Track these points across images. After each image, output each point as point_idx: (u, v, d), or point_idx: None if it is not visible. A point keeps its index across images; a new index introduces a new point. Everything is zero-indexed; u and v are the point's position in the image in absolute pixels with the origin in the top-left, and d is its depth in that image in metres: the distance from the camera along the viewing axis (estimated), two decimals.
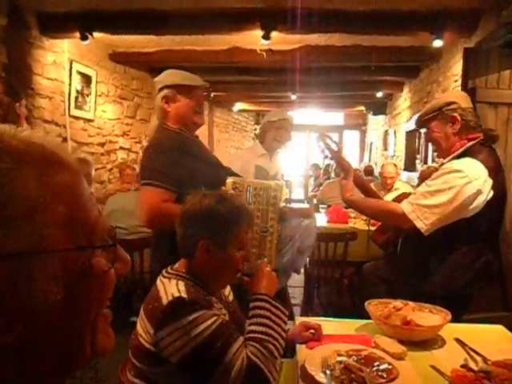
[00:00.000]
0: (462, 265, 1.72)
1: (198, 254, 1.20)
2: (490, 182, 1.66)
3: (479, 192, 1.63)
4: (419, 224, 1.67)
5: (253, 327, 1.16)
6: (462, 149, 1.76)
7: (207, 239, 1.20)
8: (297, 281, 3.76)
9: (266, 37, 3.54)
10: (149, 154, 1.76)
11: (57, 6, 3.58)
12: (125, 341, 3.05)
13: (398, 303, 1.48)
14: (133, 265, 3.02)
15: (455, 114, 1.77)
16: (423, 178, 3.14)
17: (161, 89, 1.85)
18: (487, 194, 1.66)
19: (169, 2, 3.40)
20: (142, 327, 1.14)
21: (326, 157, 2.30)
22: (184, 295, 1.10)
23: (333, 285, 3.76)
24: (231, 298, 1.38)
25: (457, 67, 3.94)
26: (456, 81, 3.92)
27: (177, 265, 1.25)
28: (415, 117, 5.59)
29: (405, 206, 1.71)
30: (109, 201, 3.32)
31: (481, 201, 1.64)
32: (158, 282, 1.20)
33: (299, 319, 1.56)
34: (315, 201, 6.47)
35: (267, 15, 3.47)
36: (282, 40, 4.00)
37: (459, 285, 1.73)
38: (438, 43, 3.44)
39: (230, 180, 1.77)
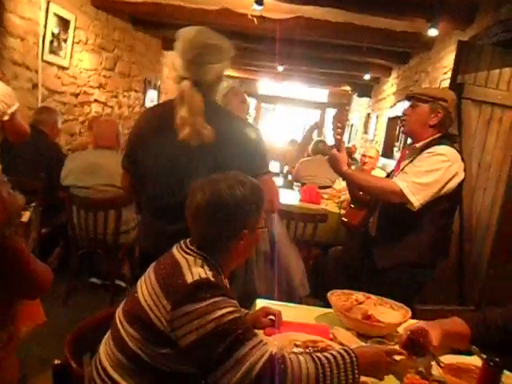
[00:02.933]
0: (431, 237, 1.97)
1: (233, 244, 1.14)
2: (462, 165, 1.94)
3: (456, 174, 1.90)
4: (412, 199, 1.85)
5: (321, 356, 1.04)
6: (435, 137, 1.99)
7: (247, 229, 1.14)
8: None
9: (260, 2, 3.38)
10: (261, 141, 1.58)
11: None
12: (84, 302, 2.97)
13: (361, 296, 1.47)
14: (96, 224, 2.93)
15: (441, 111, 1.96)
16: None
17: (223, 58, 1.53)
18: (461, 176, 1.93)
19: None
20: (154, 299, 1.05)
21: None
22: (211, 278, 1.05)
23: None
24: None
25: (447, 59, 3.90)
26: (445, 73, 3.89)
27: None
28: (399, 104, 5.59)
29: (400, 183, 1.88)
30: (68, 159, 3.13)
31: (456, 182, 1.91)
32: (179, 255, 1.12)
33: (260, 303, 1.54)
34: (289, 177, 6.45)
35: None
36: (275, 8, 3.84)
37: (428, 254, 1.99)
38: (432, 32, 3.36)
39: None
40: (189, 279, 1.03)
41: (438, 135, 1.98)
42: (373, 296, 1.50)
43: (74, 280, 3.08)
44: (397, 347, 1.17)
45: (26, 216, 1.05)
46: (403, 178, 1.91)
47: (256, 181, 1.22)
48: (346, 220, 3.24)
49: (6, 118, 2.28)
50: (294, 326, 1.35)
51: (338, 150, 2.02)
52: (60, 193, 3.03)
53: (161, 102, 6.97)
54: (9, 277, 0.32)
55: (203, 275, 1.04)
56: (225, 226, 1.13)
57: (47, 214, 3.12)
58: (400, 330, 1.38)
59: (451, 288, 3.00)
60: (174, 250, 1.16)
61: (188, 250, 1.14)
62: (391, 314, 1.41)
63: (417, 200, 1.86)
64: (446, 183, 1.88)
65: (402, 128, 2.19)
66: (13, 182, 2.94)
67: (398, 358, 1.08)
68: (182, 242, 1.18)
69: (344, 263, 2.92)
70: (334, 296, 1.48)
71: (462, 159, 1.97)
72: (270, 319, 1.37)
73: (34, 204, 1.09)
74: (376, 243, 2.07)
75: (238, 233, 1.14)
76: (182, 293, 1.02)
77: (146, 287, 1.10)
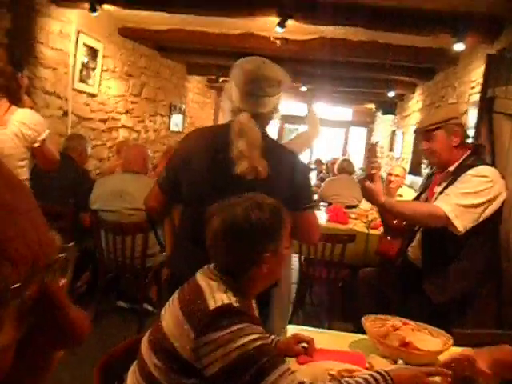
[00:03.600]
0: (479, 258, 1.89)
1: (257, 268, 1.11)
2: (503, 183, 1.88)
3: (499, 194, 1.85)
4: (457, 223, 1.79)
5: (351, 381, 1.01)
6: (465, 157, 1.93)
7: (271, 251, 1.11)
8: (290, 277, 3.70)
9: (282, 25, 3.40)
10: (308, 175, 1.67)
11: None
12: (111, 326, 2.96)
13: (397, 322, 1.40)
14: (124, 249, 2.94)
15: (457, 129, 1.93)
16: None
17: (280, 91, 1.51)
18: (503, 194, 1.87)
19: None
20: (178, 328, 1.03)
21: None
22: (235, 304, 1.02)
23: (326, 285, 3.69)
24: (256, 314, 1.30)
25: (475, 73, 3.81)
26: (473, 87, 3.80)
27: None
28: (416, 129, 5.50)
29: (444, 207, 1.82)
30: (97, 184, 3.19)
31: (500, 201, 1.86)
32: (202, 281, 1.10)
33: (291, 329, 1.48)
34: (316, 196, 6.40)
35: (284, 3, 3.34)
36: (297, 29, 3.86)
37: (468, 284, 1.90)
38: (459, 47, 3.30)
39: None
40: (211, 306, 1.00)
41: (468, 153, 1.92)
42: (410, 321, 1.42)
43: (101, 304, 3.09)
44: (438, 368, 1.10)
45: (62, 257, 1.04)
46: (446, 200, 1.84)
47: (274, 201, 1.16)
48: (380, 251, 3.15)
49: (36, 144, 2.33)
50: (328, 354, 1.29)
51: (371, 182, 1.94)
52: (88, 217, 3.08)
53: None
54: (46, 327, 0.30)
55: (226, 301, 1.01)
56: (243, 252, 1.10)
57: (76, 238, 3.16)
58: (441, 358, 1.30)
59: (488, 310, 2.86)
60: (198, 276, 1.13)
61: (211, 275, 1.11)
62: (431, 340, 1.33)
63: (461, 223, 1.79)
64: (491, 204, 1.84)
65: (428, 161, 2.13)
66: (42, 208, 3.02)
67: (438, 379, 1.01)
68: (206, 266, 1.15)
69: (376, 287, 2.82)
70: (368, 321, 1.41)
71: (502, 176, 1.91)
72: (303, 347, 1.31)
73: (71, 244, 1.08)
74: (426, 277, 1.97)
75: (259, 257, 1.10)
76: (205, 320, 0.99)
77: (169, 315, 1.08)
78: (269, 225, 1.11)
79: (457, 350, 1.41)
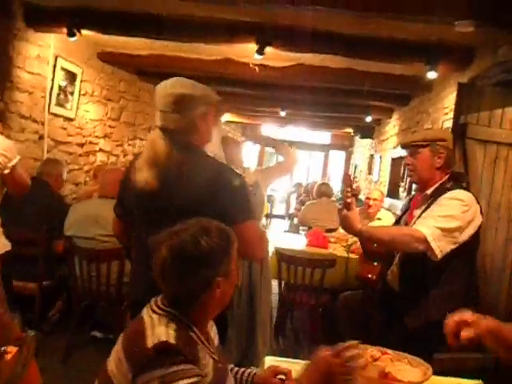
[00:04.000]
0: (457, 291, 1.85)
1: (210, 294, 1.08)
2: (478, 208, 1.88)
3: (473, 219, 1.84)
4: (435, 246, 1.76)
5: None
6: (443, 180, 1.94)
7: (222, 275, 1.09)
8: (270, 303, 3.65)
9: (260, 52, 3.46)
10: (240, 187, 1.53)
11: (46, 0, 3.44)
12: (83, 358, 2.85)
13: (375, 352, 1.37)
14: (99, 276, 2.86)
15: (443, 151, 1.92)
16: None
17: (197, 104, 1.53)
18: (477, 220, 1.86)
19: (164, 7, 3.29)
20: (119, 368, 1.00)
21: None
22: (172, 341, 0.98)
23: (306, 311, 3.65)
24: (216, 341, 1.25)
25: (448, 100, 3.93)
26: (446, 113, 3.91)
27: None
28: (403, 142, 5.60)
29: (424, 230, 1.78)
30: (71, 209, 3.11)
31: (476, 226, 1.85)
32: (146, 315, 1.07)
33: (268, 360, 1.45)
34: (295, 220, 6.40)
35: (263, 30, 3.40)
36: (275, 56, 3.93)
37: (450, 308, 1.74)
38: (432, 75, 3.41)
39: None
40: (149, 343, 0.98)
41: (446, 177, 1.93)
42: (389, 351, 1.40)
43: (75, 335, 2.97)
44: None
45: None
46: (424, 223, 1.82)
47: (220, 224, 1.16)
48: (361, 275, 3.14)
49: (6, 171, 2.29)
50: None
51: (348, 209, 1.90)
52: (62, 244, 2.99)
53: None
54: None
55: (163, 338, 0.98)
56: (195, 279, 1.07)
57: (49, 265, 3.06)
58: None
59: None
60: (144, 310, 1.10)
61: (155, 308, 1.08)
62: (410, 371, 1.31)
63: (438, 248, 1.76)
64: (466, 228, 1.82)
65: (409, 178, 2.13)
66: (15, 234, 2.92)
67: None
68: (153, 300, 1.12)
69: (356, 311, 2.80)
70: None
71: (477, 201, 1.92)
72: (280, 379, 1.27)
73: (32, 333, 1.05)
74: (401, 301, 1.95)
75: (211, 283, 1.07)
76: (141, 360, 0.97)
77: (114, 355, 1.04)
78: (218, 248, 1.09)
79: (437, 379, 1.39)
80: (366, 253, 2.71)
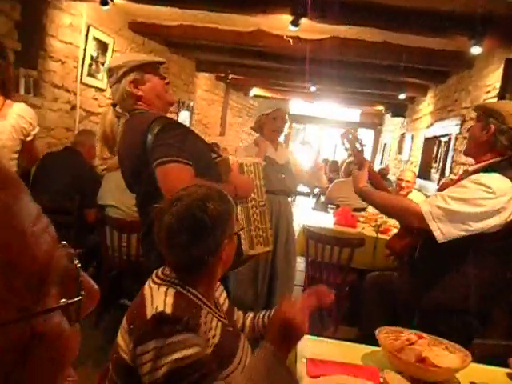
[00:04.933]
0: (475, 279, 1.67)
1: (217, 257, 1.09)
2: None
3: (501, 209, 1.60)
4: (433, 227, 1.61)
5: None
6: (491, 161, 1.72)
7: (228, 237, 1.10)
8: (297, 280, 3.65)
9: (295, 23, 3.34)
10: (158, 132, 1.51)
11: None
12: (112, 323, 2.92)
13: (412, 336, 1.34)
14: (129, 246, 2.90)
15: (492, 126, 1.69)
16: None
17: (124, 73, 1.61)
18: (510, 211, 1.62)
19: None
20: (124, 338, 1.01)
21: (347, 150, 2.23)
22: (168, 310, 0.96)
23: (333, 289, 3.63)
24: (226, 305, 1.24)
25: (491, 78, 3.73)
26: (488, 92, 3.72)
27: (166, 269, 1.10)
28: (437, 123, 5.39)
29: (423, 206, 1.65)
30: (105, 178, 3.14)
31: (503, 218, 1.61)
32: (147, 287, 1.07)
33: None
34: (322, 198, 6.32)
35: (298, 1, 3.27)
36: (310, 28, 3.80)
37: (476, 300, 1.68)
38: (476, 50, 3.22)
39: (233, 158, 1.75)
40: (148, 313, 0.97)
41: (499, 159, 1.69)
42: (425, 335, 1.36)
43: (105, 301, 3.05)
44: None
45: None
46: (430, 200, 1.69)
47: (218, 186, 1.18)
48: (388, 245, 3.09)
49: (29, 138, 2.35)
50: (341, 368, 1.24)
51: (359, 168, 1.93)
52: (93, 213, 3.04)
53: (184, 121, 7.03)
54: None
55: (160, 308, 0.97)
56: (205, 244, 1.05)
57: (80, 234, 3.12)
58: (459, 376, 1.24)
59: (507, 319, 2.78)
60: (147, 282, 1.09)
61: (155, 278, 1.07)
62: (448, 356, 1.28)
63: (438, 229, 1.60)
64: (485, 219, 1.60)
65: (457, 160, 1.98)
66: (48, 203, 2.98)
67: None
68: (155, 271, 1.11)
69: (383, 291, 2.76)
70: (382, 334, 1.35)
71: None
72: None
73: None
74: (423, 280, 1.85)
75: (219, 246, 1.07)
76: (140, 330, 0.97)
77: (120, 329, 1.04)
78: (223, 212, 1.08)
79: (477, 366, 1.35)
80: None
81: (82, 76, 4.10)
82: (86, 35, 4.05)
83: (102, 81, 4.44)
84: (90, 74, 4.22)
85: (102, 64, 4.40)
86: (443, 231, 1.61)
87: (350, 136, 2.05)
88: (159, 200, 1.19)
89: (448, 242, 1.64)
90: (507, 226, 1.62)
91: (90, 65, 4.20)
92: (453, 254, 1.67)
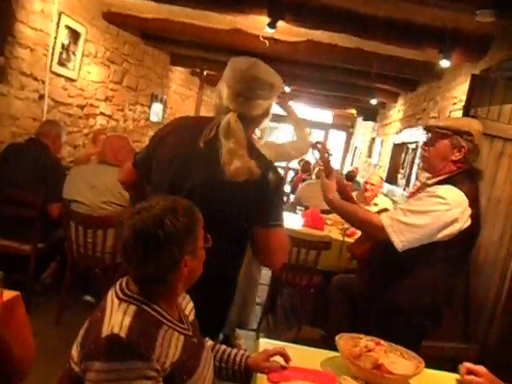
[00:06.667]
0: (428, 283, 1.80)
1: (177, 273, 1.06)
2: (468, 211, 1.72)
3: (456, 220, 1.69)
4: (394, 239, 1.71)
5: None
6: (448, 174, 1.81)
7: (189, 254, 1.06)
8: (262, 279, 3.69)
9: (272, 25, 3.36)
10: (278, 186, 1.43)
11: None
12: (75, 320, 2.89)
13: (370, 342, 1.39)
14: (95, 242, 2.86)
15: (464, 145, 1.76)
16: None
17: (272, 96, 1.45)
18: (463, 222, 1.71)
19: None
20: (77, 349, 1.01)
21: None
22: (123, 334, 0.95)
23: (298, 290, 3.69)
24: (192, 317, 1.25)
25: (457, 90, 3.88)
26: (455, 103, 3.86)
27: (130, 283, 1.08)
28: (406, 130, 5.55)
29: (384, 219, 1.74)
30: (71, 173, 3.06)
31: (456, 228, 1.70)
32: (109, 299, 1.05)
33: (262, 343, 1.46)
34: (292, 197, 6.38)
35: (276, 3, 3.29)
36: (286, 30, 3.83)
37: (425, 303, 1.81)
38: (445, 63, 3.34)
39: None
40: (104, 331, 0.96)
41: (457, 172, 1.78)
42: (383, 342, 1.42)
43: (67, 298, 2.99)
44: None
45: None
46: (391, 214, 1.77)
47: (184, 200, 1.10)
48: (349, 248, 3.17)
49: None
50: (300, 373, 1.27)
51: (327, 177, 1.99)
52: (58, 207, 2.97)
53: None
54: None
55: (116, 330, 0.95)
56: (160, 261, 1.02)
57: (45, 228, 3.05)
58: (413, 382, 1.30)
59: (456, 322, 2.91)
60: (109, 292, 1.08)
61: (119, 292, 1.06)
62: (402, 363, 1.33)
63: (400, 241, 1.69)
64: (442, 229, 1.69)
65: (420, 163, 2.04)
66: (12, 194, 2.87)
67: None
68: (118, 281, 1.09)
69: (348, 293, 2.84)
70: (342, 340, 1.39)
71: (477, 202, 1.78)
72: (274, 361, 1.28)
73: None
74: (381, 281, 1.94)
75: (178, 262, 1.04)
76: (91, 345, 0.96)
77: (79, 334, 1.04)
78: (184, 228, 1.04)
79: (429, 372, 1.42)
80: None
81: (51, 64, 3.98)
82: (58, 23, 3.93)
83: (72, 70, 4.33)
84: (60, 63, 4.10)
85: (74, 53, 4.29)
86: (404, 242, 1.70)
87: (320, 146, 2.13)
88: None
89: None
90: (458, 235, 1.73)
91: (61, 53, 4.08)
92: (408, 259, 1.76)
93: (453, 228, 1.70)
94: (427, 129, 1.93)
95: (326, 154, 2.08)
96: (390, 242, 1.71)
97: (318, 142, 2.18)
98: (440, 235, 1.70)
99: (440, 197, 1.69)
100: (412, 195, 2.05)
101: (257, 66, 1.42)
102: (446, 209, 1.67)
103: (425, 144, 1.89)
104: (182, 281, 1.09)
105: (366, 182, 4.35)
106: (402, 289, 1.81)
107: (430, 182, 1.89)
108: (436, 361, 1.58)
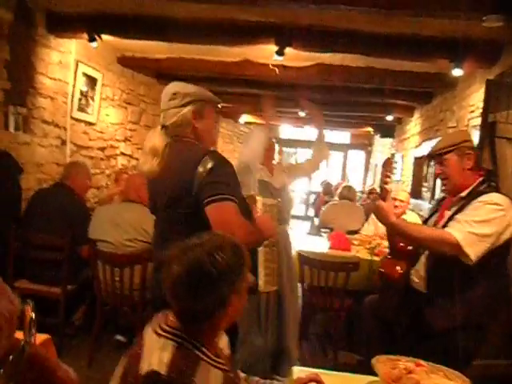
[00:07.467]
0: (479, 297, 1.80)
1: (223, 312, 1.05)
2: None
3: (510, 224, 1.77)
4: (469, 251, 1.73)
5: None
6: (477, 182, 1.89)
7: (235, 292, 1.06)
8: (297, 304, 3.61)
9: (280, 53, 3.41)
10: (212, 167, 1.53)
11: (66, 6, 3.47)
12: (107, 361, 2.88)
13: (410, 363, 1.32)
14: (122, 281, 2.86)
15: (469, 151, 1.89)
16: None
17: (190, 101, 1.65)
18: None
19: (181, 10, 3.28)
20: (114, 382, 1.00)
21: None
22: (163, 370, 0.94)
23: (330, 314, 3.59)
24: (227, 351, 1.22)
25: (473, 98, 3.82)
26: (472, 111, 3.79)
27: (171, 318, 1.07)
28: (425, 143, 5.48)
29: (456, 233, 1.76)
30: (95, 213, 3.13)
31: (510, 232, 1.78)
32: (148, 335, 1.04)
33: (296, 370, 1.41)
34: (316, 221, 6.31)
35: (283, 31, 3.35)
36: (295, 56, 3.89)
37: (477, 313, 1.81)
38: (457, 72, 3.30)
39: (259, 198, 1.92)
40: (143, 367, 0.96)
41: (480, 179, 1.88)
42: (423, 362, 1.35)
43: (99, 339, 2.98)
44: None
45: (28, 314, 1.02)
46: (458, 227, 1.78)
47: (232, 238, 1.12)
48: (383, 271, 3.07)
49: None
50: None
51: (384, 200, 1.95)
52: (87, 249, 3.01)
53: None
54: None
55: (155, 367, 0.95)
56: (210, 298, 1.02)
57: (73, 270, 3.08)
58: None
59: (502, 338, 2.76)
60: (147, 329, 1.07)
61: (158, 329, 1.04)
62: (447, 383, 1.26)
63: (473, 252, 1.73)
64: (501, 234, 1.77)
65: (443, 187, 2.03)
66: (40, 238, 2.93)
67: None
68: (156, 318, 1.08)
69: (380, 315, 2.74)
70: (379, 362, 1.33)
71: None
72: None
73: (29, 300, 1.08)
74: (429, 302, 1.90)
75: (225, 300, 1.04)
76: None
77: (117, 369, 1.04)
78: (233, 265, 1.05)
79: None
80: (392, 249, 2.64)
81: (71, 111, 4.13)
82: (75, 71, 4.10)
83: (91, 115, 4.48)
84: (79, 109, 4.26)
85: (92, 98, 4.44)
86: (477, 253, 1.74)
87: (394, 165, 2.11)
88: (184, 231, 1.25)
89: (457, 264, 1.77)
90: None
91: (80, 99, 4.24)
92: (465, 274, 1.77)
93: (508, 232, 1.78)
94: (431, 156, 2.01)
95: (387, 178, 2.02)
96: (461, 256, 1.74)
97: (390, 160, 2.16)
98: (500, 241, 1.78)
99: (497, 204, 1.77)
100: (444, 208, 2.02)
101: (173, 85, 1.71)
102: (503, 214, 1.76)
103: (437, 170, 1.97)
104: (226, 320, 1.08)
105: (394, 199, 4.24)
106: (466, 303, 1.79)
107: (463, 194, 1.91)
108: (482, 380, 1.49)
